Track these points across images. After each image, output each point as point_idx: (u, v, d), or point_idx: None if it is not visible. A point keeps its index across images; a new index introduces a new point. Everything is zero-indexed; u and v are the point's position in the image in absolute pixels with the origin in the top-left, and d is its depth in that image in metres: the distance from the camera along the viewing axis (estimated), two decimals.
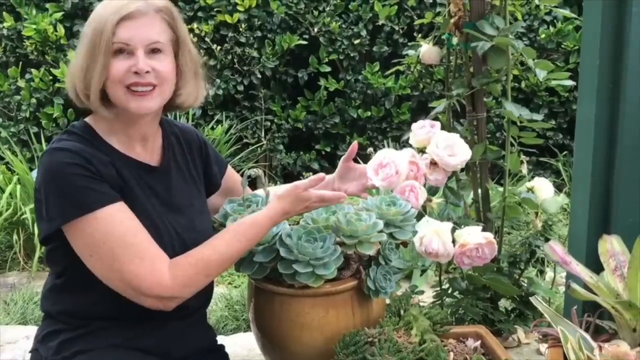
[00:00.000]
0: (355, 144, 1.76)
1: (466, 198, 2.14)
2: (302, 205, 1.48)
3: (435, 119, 2.03)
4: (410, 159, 1.76)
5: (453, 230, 1.72)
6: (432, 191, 2.00)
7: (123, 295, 1.35)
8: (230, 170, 1.75)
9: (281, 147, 5.07)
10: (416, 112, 5.03)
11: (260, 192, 1.75)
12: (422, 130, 1.86)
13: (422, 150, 1.86)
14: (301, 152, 5.11)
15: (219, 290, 3.24)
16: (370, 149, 1.85)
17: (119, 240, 1.31)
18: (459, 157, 1.79)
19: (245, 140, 4.99)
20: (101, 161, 1.36)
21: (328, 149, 5.13)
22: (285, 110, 5.12)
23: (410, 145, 1.89)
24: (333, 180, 1.80)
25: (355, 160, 1.82)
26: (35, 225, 3.64)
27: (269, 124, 5.08)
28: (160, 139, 1.54)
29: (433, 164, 1.82)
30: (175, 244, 1.42)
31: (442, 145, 1.79)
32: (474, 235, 1.69)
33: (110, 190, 1.34)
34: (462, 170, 2.16)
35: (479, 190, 2.13)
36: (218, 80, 4.92)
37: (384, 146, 4.82)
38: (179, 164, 1.55)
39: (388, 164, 1.72)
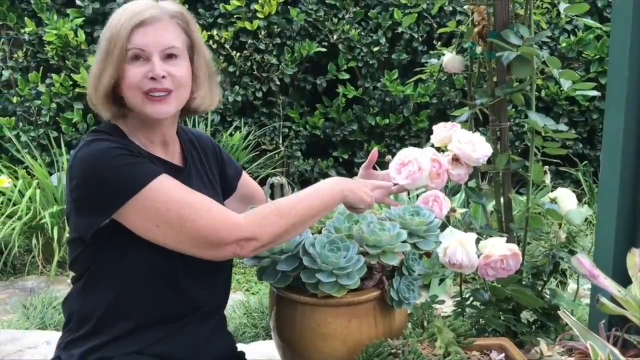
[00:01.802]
0: (375, 151, 1.76)
1: (488, 207, 2.12)
2: (361, 185, 1.54)
3: None
4: (432, 156, 1.76)
5: (477, 241, 1.70)
6: (454, 191, 1.99)
7: (201, 257, 1.35)
8: (246, 176, 1.77)
9: (299, 154, 5.07)
10: (435, 120, 5.01)
11: None
12: (444, 130, 1.88)
13: (443, 151, 1.86)
14: (319, 159, 5.11)
15: (237, 297, 3.24)
16: (389, 157, 1.85)
17: (181, 202, 1.32)
18: (480, 151, 1.80)
19: (263, 147, 5.01)
20: (138, 151, 1.39)
21: (346, 157, 5.12)
22: (304, 117, 5.13)
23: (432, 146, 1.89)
24: None
25: (373, 168, 1.81)
26: (55, 229, 3.67)
27: (287, 130, 5.09)
28: (178, 144, 1.55)
29: (455, 160, 1.82)
30: None
31: (464, 140, 1.80)
32: (499, 247, 1.67)
33: (154, 166, 1.37)
34: (483, 179, 2.15)
35: (502, 200, 2.11)
36: (237, 87, 4.93)
37: None
38: (198, 168, 1.57)
39: (410, 162, 1.72)
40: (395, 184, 1.74)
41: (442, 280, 3.28)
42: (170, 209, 1.31)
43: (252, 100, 5.00)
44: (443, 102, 5.03)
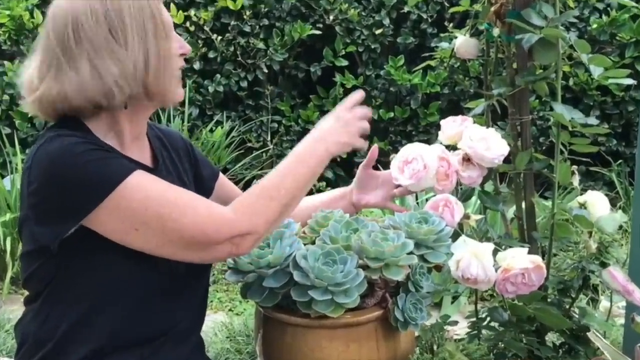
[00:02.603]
0: (375, 148, 1.79)
1: (507, 213, 2.13)
2: (339, 127, 1.55)
3: None
4: (440, 154, 1.77)
5: (494, 252, 1.71)
6: (466, 195, 1.99)
7: (189, 260, 1.37)
8: (223, 178, 1.78)
9: (290, 152, 5.07)
10: (446, 113, 5.00)
11: None
12: (453, 125, 1.89)
13: (453, 148, 1.86)
14: None
15: (218, 317, 3.24)
16: (394, 155, 1.85)
17: (160, 199, 1.33)
18: (495, 150, 1.80)
19: (249, 145, 5.01)
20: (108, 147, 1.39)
21: (344, 155, 5.10)
22: (295, 109, 5.13)
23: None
24: (351, 191, 1.83)
25: (376, 168, 1.83)
26: (8, 240, 3.66)
27: (276, 125, 5.10)
28: (147, 142, 1.56)
29: (466, 160, 1.83)
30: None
31: (476, 137, 1.80)
32: (520, 259, 1.67)
33: (127, 161, 1.37)
34: (502, 181, 2.15)
35: (523, 205, 2.12)
36: (218, 76, 4.94)
37: None
38: (169, 169, 1.57)
39: (414, 159, 1.74)
40: (397, 185, 1.76)
41: (454, 298, 3.26)
42: (149, 207, 1.31)
43: (236, 91, 5.00)
44: (456, 92, 5.04)
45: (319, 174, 1.51)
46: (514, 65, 2.04)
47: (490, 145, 1.80)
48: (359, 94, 1.63)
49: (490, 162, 1.82)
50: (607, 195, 1.99)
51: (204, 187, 1.69)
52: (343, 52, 5.02)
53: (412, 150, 1.76)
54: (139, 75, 1.37)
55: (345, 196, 1.84)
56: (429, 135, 5.05)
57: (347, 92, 5.06)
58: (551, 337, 2.16)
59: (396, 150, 1.79)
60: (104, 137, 1.42)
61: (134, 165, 1.36)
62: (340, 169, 5.12)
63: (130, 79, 1.36)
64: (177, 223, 1.32)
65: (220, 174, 1.77)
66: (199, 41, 4.89)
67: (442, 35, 4.82)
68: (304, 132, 5.13)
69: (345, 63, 5.02)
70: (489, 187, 2.09)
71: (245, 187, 1.76)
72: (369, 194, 1.81)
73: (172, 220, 1.32)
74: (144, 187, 1.33)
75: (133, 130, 1.47)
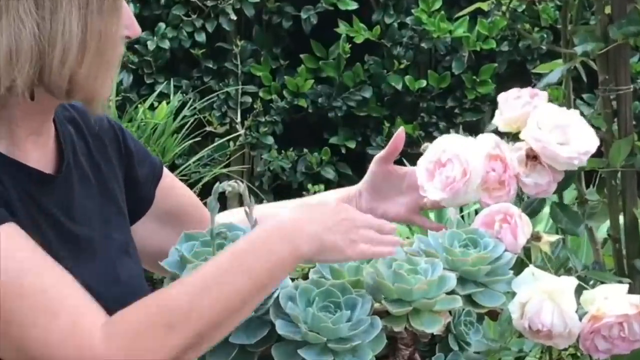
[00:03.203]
0: (400, 132, 1.78)
1: (599, 232, 2.13)
2: (338, 221, 1.44)
3: None
4: (491, 151, 1.76)
5: (578, 290, 1.71)
6: (531, 208, 1.99)
7: None
8: (170, 179, 1.76)
9: (270, 140, 5.08)
10: (505, 82, 5.04)
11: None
12: (517, 103, 1.87)
13: (515, 137, 1.85)
14: (305, 150, 5.12)
15: None
16: (426, 144, 1.84)
17: (12, 285, 1.27)
18: (575, 145, 1.78)
19: (208, 129, 5.01)
20: None
21: (352, 145, 5.13)
22: (278, 76, 5.14)
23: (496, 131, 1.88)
24: (359, 194, 1.83)
25: (399, 162, 1.82)
26: None
27: (249, 100, 5.10)
28: (52, 129, 1.53)
29: (531, 157, 1.81)
30: None
31: (547, 125, 1.78)
32: (616, 301, 1.67)
33: None
34: (589, 183, 2.15)
35: (621, 220, 2.12)
36: (162, 25, 4.94)
37: None
38: (83, 170, 1.54)
39: (449, 160, 1.72)
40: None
41: (519, 359, 3.29)
42: None
43: (189, 48, 5.01)
44: (519, 50, 5.05)
45: (272, 289, 1.42)
46: (607, 10, 2.04)
47: (570, 137, 1.78)
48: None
49: (567, 164, 1.79)
50: None
51: (139, 193, 1.67)
52: None
53: (445, 147, 1.74)
54: (70, 63, 1.33)
55: (351, 202, 1.81)
56: (479, 114, 5.06)
57: (355, 50, 5.06)
58: None
59: (430, 138, 1.77)
60: None
61: (3, 213, 1.30)
62: (346, 165, 5.12)
63: (50, 66, 1.32)
64: (21, 331, 1.27)
65: (166, 172, 1.74)
66: None
67: None
68: (293, 109, 5.15)
69: (353, 6, 5.03)
70: (569, 193, 2.09)
71: (202, 192, 1.75)
72: (388, 202, 1.79)
73: (17, 325, 1.27)
74: None
75: (31, 124, 1.44)
